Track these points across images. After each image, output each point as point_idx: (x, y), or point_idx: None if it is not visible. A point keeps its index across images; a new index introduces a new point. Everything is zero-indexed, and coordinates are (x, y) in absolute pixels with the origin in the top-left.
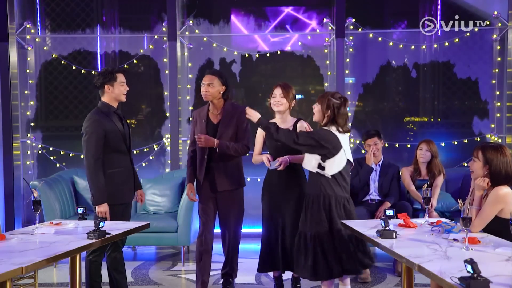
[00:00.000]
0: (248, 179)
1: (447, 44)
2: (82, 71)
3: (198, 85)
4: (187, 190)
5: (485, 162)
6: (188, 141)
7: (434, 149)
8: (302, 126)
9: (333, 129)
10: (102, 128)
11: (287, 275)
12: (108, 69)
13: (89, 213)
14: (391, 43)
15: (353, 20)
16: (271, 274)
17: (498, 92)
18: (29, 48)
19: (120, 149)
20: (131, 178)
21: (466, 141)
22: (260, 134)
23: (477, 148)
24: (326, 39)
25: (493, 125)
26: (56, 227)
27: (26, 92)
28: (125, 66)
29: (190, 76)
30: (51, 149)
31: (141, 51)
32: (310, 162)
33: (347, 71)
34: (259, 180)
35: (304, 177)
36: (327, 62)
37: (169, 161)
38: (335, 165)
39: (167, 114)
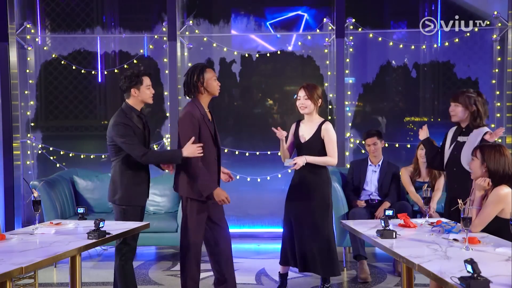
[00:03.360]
0: (248, 179)
1: (447, 44)
2: (82, 71)
3: (192, 84)
4: (223, 195)
5: (482, 160)
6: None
7: None
8: (327, 128)
9: (486, 128)
10: (132, 131)
11: (291, 274)
12: (135, 73)
13: (89, 213)
14: (391, 43)
15: (353, 20)
16: (271, 274)
17: (498, 92)
18: (29, 48)
19: None
20: (147, 182)
21: None
22: (291, 131)
23: (476, 148)
24: (326, 39)
25: (493, 125)
26: (56, 227)
27: (26, 92)
28: (125, 66)
29: None
30: (51, 149)
31: (141, 51)
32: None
33: (347, 71)
34: (259, 180)
35: (327, 181)
36: (327, 62)
37: None
38: None
39: (167, 114)
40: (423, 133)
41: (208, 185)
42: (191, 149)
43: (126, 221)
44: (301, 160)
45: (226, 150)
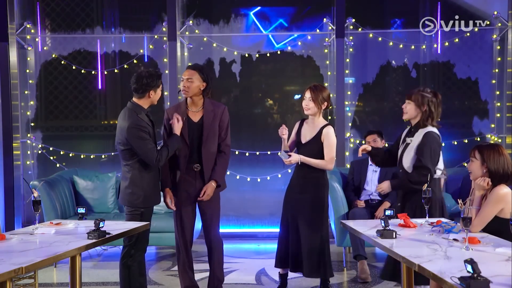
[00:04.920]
0: (248, 179)
1: (447, 44)
2: (82, 71)
3: None
4: (165, 198)
5: (482, 161)
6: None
7: None
8: (328, 132)
9: (432, 129)
10: (148, 133)
11: (291, 274)
12: (154, 74)
13: (89, 213)
14: (391, 43)
15: (353, 20)
16: (271, 274)
17: (498, 92)
18: (29, 48)
19: None
20: (159, 181)
21: (466, 141)
22: (294, 129)
23: (474, 149)
24: (326, 39)
25: (493, 125)
26: (56, 227)
27: (26, 92)
28: (125, 66)
29: None
30: (51, 149)
31: (141, 51)
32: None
33: (347, 71)
34: (259, 180)
35: (324, 184)
36: (327, 62)
37: None
38: (440, 164)
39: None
40: (363, 150)
41: (162, 183)
42: (176, 127)
43: (128, 221)
44: (295, 158)
45: None
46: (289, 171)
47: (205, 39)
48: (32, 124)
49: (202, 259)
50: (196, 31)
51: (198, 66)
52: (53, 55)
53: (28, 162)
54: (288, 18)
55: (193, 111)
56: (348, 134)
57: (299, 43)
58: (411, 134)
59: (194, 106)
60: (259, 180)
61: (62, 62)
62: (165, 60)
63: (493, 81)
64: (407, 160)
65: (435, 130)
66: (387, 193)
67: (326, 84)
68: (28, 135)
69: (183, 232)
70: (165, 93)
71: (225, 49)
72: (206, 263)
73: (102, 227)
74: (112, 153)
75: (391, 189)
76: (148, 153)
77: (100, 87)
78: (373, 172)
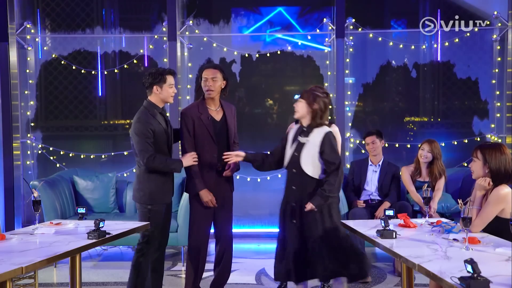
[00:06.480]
0: (248, 179)
1: (447, 44)
2: (82, 71)
3: (198, 85)
4: (207, 197)
5: (484, 161)
6: (183, 145)
7: (437, 150)
8: (334, 131)
9: (329, 129)
10: (151, 129)
11: None
12: (159, 70)
13: (89, 213)
14: (391, 43)
15: (353, 20)
16: (271, 274)
17: (498, 92)
18: (29, 48)
19: (162, 150)
20: (171, 179)
21: (466, 141)
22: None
23: (476, 148)
24: (326, 39)
25: (493, 125)
26: (56, 227)
27: (26, 92)
28: (125, 66)
29: (190, 76)
30: (51, 149)
31: (141, 51)
32: (318, 170)
33: (347, 71)
34: (259, 180)
35: None
36: (327, 62)
37: None
38: None
39: (167, 114)
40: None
41: (196, 185)
42: (187, 159)
43: (128, 221)
44: None
45: None
46: None
47: (205, 39)
48: (32, 124)
49: None
50: (196, 31)
51: (217, 65)
52: (53, 55)
53: (28, 162)
54: (288, 18)
55: (213, 109)
56: (348, 134)
57: (299, 43)
58: (304, 133)
59: (214, 105)
60: (259, 180)
61: (62, 62)
62: (165, 60)
63: (493, 81)
64: (308, 160)
65: (330, 129)
66: (387, 193)
67: (326, 84)
68: (28, 135)
69: (205, 231)
70: None
71: (225, 49)
72: (206, 263)
73: (102, 227)
74: (112, 153)
75: (316, 208)
76: (141, 151)
77: (100, 87)
78: (373, 172)
